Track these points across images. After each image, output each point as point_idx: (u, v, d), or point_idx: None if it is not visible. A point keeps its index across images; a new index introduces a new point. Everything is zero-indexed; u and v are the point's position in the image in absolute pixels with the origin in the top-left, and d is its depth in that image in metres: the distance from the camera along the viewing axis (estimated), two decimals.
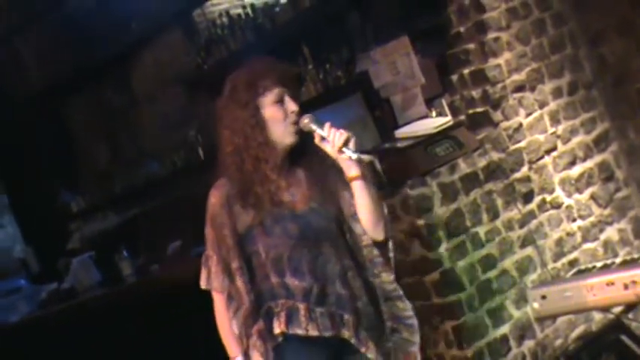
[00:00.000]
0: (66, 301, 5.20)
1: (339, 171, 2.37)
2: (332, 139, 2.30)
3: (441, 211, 3.62)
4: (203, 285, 2.45)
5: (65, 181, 7.04)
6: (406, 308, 2.43)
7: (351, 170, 2.33)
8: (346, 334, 2.32)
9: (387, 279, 2.41)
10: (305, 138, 2.37)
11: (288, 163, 2.39)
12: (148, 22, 5.69)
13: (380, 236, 2.39)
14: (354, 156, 2.30)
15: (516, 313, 3.75)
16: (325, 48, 4.65)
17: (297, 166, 2.41)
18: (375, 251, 2.39)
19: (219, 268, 2.38)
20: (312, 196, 2.37)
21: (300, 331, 2.30)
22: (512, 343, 3.70)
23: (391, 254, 2.44)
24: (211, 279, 2.42)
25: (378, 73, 4.14)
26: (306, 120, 2.35)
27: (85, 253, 5.70)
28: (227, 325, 2.44)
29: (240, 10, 5.30)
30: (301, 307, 2.31)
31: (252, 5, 5.17)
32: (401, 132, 3.95)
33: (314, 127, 2.34)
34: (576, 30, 4.25)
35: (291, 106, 2.36)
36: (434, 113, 4.04)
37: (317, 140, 2.34)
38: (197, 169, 5.76)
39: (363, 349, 2.33)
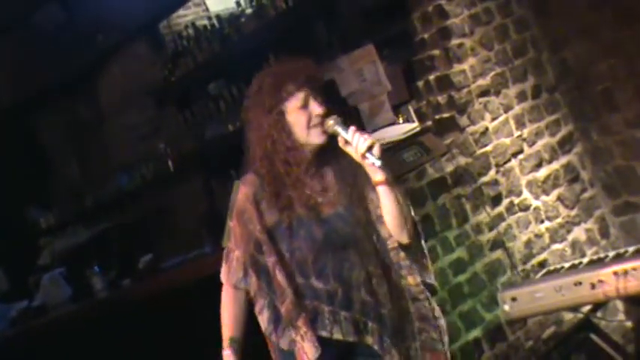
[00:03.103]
0: (37, 319, 5.14)
1: (366, 172, 2.35)
2: (356, 143, 2.28)
3: None
4: (223, 279, 2.44)
5: (35, 196, 6.97)
6: (434, 309, 2.42)
7: (376, 175, 2.32)
8: (370, 340, 2.32)
9: (412, 282, 2.39)
10: (334, 138, 2.35)
11: (317, 163, 2.38)
12: (114, 34, 5.67)
13: (405, 240, 2.37)
14: (378, 163, 2.27)
15: (488, 316, 3.78)
16: (291, 57, 4.66)
17: (326, 166, 2.39)
18: (402, 254, 2.38)
19: (241, 263, 2.38)
20: (340, 199, 2.36)
21: (324, 333, 2.30)
22: (485, 345, 3.73)
23: (425, 252, 2.43)
24: (230, 274, 2.41)
25: (344, 81, 4.16)
26: (331, 122, 2.33)
27: (55, 269, 5.64)
28: (229, 318, 2.44)
29: (205, 22, 5.31)
30: (326, 309, 2.31)
31: (217, 16, 5.18)
32: None
33: (339, 129, 2.32)
34: (538, 35, 4.31)
35: (316, 109, 2.34)
36: (401, 119, 4.07)
37: (341, 144, 2.33)
38: (167, 182, 5.74)
39: (387, 358, 2.32)
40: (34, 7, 5.98)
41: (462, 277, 3.75)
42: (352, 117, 4.21)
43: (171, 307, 4.07)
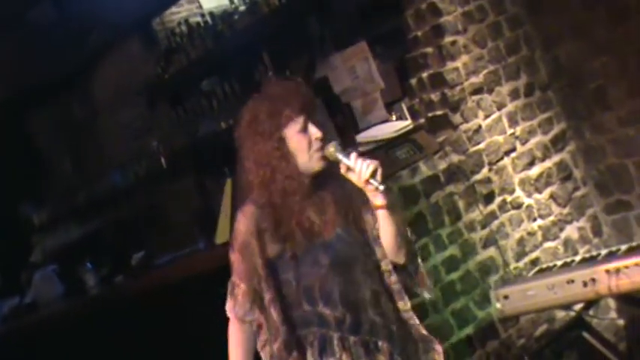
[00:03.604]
0: (28, 316, 5.13)
1: (362, 193, 2.33)
2: (359, 170, 2.26)
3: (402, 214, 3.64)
4: (229, 313, 2.39)
5: (28, 193, 6.96)
6: (428, 334, 2.42)
7: (377, 199, 2.30)
8: (382, 359, 2.31)
9: (402, 307, 2.39)
10: (329, 161, 2.33)
11: (314, 188, 2.35)
12: (107, 32, 5.65)
13: (401, 260, 2.38)
14: (381, 187, 2.26)
15: (480, 314, 3.78)
16: (285, 54, 4.66)
17: (323, 190, 2.37)
18: (393, 277, 2.38)
19: (247, 297, 2.34)
20: (338, 220, 2.34)
21: None
22: (477, 343, 3.73)
23: (422, 270, 2.43)
24: (237, 308, 2.36)
25: (337, 78, 4.17)
26: (331, 149, 2.30)
27: (47, 266, 5.63)
28: (240, 354, 2.39)
29: (198, 18, 5.29)
30: (335, 336, 2.30)
31: (210, 13, 5.16)
32: (362, 136, 3.98)
33: (340, 156, 2.29)
34: (531, 32, 4.31)
35: (315, 132, 2.31)
36: (394, 117, 4.07)
37: (343, 170, 2.30)
38: (159, 179, 5.73)
39: None
40: (27, 4, 5.96)
41: (454, 275, 3.75)
42: (345, 115, 4.23)
43: (164, 303, 4.07)
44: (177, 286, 4.00)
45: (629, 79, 4.12)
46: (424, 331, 2.42)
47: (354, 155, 2.29)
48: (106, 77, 6.16)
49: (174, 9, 5.59)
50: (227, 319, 2.41)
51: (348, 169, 2.29)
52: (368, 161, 2.27)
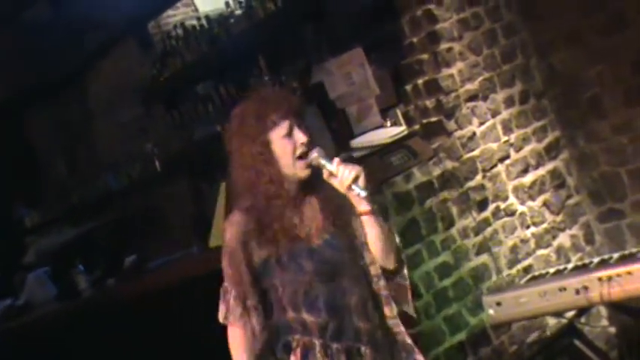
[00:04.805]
0: (21, 317, 5.11)
1: (349, 200, 2.33)
2: (341, 176, 2.27)
3: (396, 220, 3.64)
4: (221, 319, 2.39)
5: (21, 194, 6.94)
6: (411, 344, 2.41)
7: (361, 205, 2.31)
8: None
9: (388, 313, 2.39)
10: (317, 167, 2.34)
11: (301, 194, 2.36)
12: (103, 34, 5.65)
13: (390, 265, 2.38)
14: (363, 193, 2.26)
15: (472, 320, 3.79)
16: (280, 59, 4.67)
17: (310, 196, 2.37)
18: (382, 283, 2.38)
19: (238, 302, 2.35)
20: (326, 227, 2.35)
21: None
22: (469, 349, 3.74)
23: (406, 282, 2.43)
24: (229, 313, 2.37)
25: (333, 84, 4.17)
26: (315, 154, 2.31)
27: (40, 268, 5.61)
28: (242, 354, 2.38)
29: (194, 22, 5.29)
30: (317, 343, 2.29)
31: (206, 16, 5.16)
32: (357, 142, 3.98)
33: (323, 162, 2.30)
34: (527, 40, 4.33)
35: (300, 137, 2.32)
36: (389, 123, 4.08)
37: (325, 176, 2.31)
38: (154, 182, 5.73)
39: None
40: (23, 5, 5.95)
41: (447, 282, 3.76)
42: (340, 121, 4.24)
43: (156, 307, 4.06)
44: (170, 290, 4.00)
45: (623, 88, 4.14)
46: (408, 340, 2.41)
47: (336, 161, 2.30)
48: (102, 79, 6.15)
49: (170, 12, 5.59)
50: (220, 324, 2.41)
51: (331, 174, 2.30)
52: (350, 167, 2.27)
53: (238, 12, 4.86)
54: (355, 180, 2.27)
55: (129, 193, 5.96)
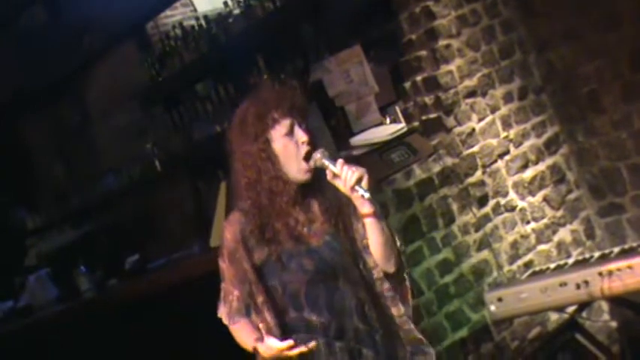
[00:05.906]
0: (22, 319, 5.12)
1: (352, 203, 2.33)
2: (344, 177, 2.26)
3: (396, 217, 3.65)
4: (225, 321, 2.40)
5: (21, 196, 6.94)
6: (422, 338, 2.42)
7: (364, 207, 2.30)
8: None
9: (396, 313, 2.39)
10: (318, 170, 2.33)
11: (302, 195, 2.35)
12: (101, 35, 5.65)
13: (391, 269, 2.37)
14: (367, 195, 2.25)
15: (474, 317, 3.79)
16: (279, 58, 4.67)
17: (311, 198, 2.37)
18: (386, 284, 2.38)
19: (243, 302, 2.35)
20: (327, 228, 2.35)
21: None
22: (471, 346, 3.74)
23: (407, 284, 2.43)
24: (233, 315, 2.37)
25: (332, 82, 4.17)
26: (318, 155, 2.30)
27: (41, 270, 5.62)
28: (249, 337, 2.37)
29: (193, 22, 5.29)
30: (321, 342, 2.30)
31: (205, 16, 5.16)
32: (356, 140, 3.98)
33: (327, 163, 2.29)
34: (525, 36, 4.33)
35: (301, 136, 2.32)
36: (388, 120, 4.08)
37: (329, 177, 2.29)
38: (154, 182, 5.73)
39: None
40: (20, 8, 5.95)
41: (448, 278, 3.76)
42: (339, 119, 4.24)
43: (158, 307, 4.06)
44: (171, 290, 4.00)
45: (622, 83, 4.14)
46: (419, 335, 2.41)
47: (340, 162, 2.28)
48: (100, 81, 6.15)
49: (168, 12, 5.58)
50: (221, 323, 2.41)
51: (335, 175, 2.28)
52: (354, 168, 2.26)
53: (237, 11, 4.86)
54: (359, 181, 2.25)
55: (129, 194, 5.96)
